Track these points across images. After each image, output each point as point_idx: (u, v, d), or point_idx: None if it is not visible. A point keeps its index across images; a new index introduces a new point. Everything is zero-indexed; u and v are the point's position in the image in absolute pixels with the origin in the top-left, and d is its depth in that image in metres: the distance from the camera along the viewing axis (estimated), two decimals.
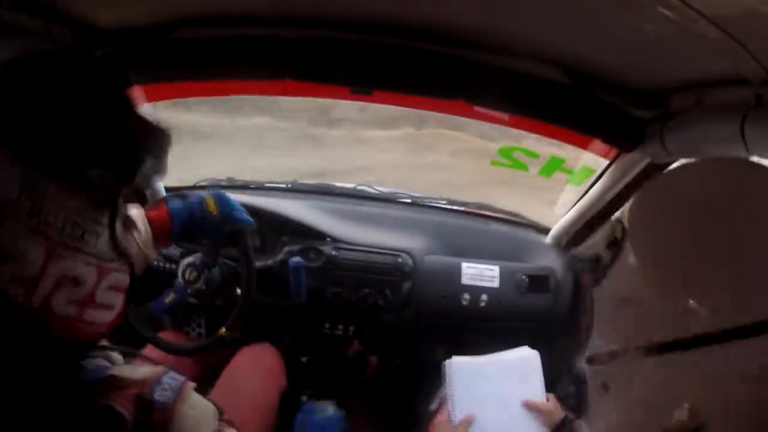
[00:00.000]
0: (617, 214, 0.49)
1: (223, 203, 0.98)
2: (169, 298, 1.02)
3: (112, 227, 0.47)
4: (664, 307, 0.42)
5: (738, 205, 0.43)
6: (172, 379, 0.52)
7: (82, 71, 0.48)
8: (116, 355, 0.56)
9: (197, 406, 0.53)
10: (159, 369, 0.53)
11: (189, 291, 1.06)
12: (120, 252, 0.49)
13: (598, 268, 0.50)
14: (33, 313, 0.43)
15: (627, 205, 0.49)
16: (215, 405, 0.56)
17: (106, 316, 0.48)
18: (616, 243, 0.48)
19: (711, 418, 0.40)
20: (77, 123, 0.44)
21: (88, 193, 0.45)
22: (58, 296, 0.43)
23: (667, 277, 0.43)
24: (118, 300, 0.49)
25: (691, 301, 0.40)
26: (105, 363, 0.52)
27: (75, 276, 0.44)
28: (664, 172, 0.51)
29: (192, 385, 0.55)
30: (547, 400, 0.98)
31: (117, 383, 0.49)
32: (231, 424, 0.56)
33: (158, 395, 0.49)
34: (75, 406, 0.46)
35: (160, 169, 0.53)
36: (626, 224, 0.49)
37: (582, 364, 0.53)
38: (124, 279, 0.49)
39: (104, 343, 0.55)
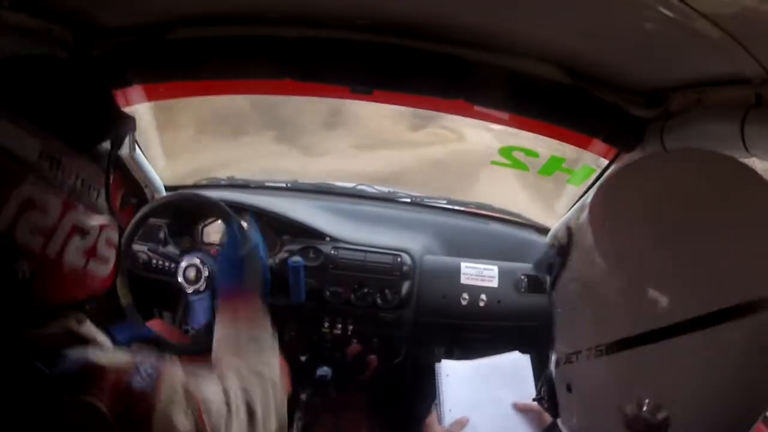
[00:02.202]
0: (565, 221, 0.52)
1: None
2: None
3: (107, 187, 0.55)
4: (617, 304, 0.44)
5: (708, 196, 0.44)
6: (150, 364, 0.51)
7: (79, 68, 0.59)
8: (107, 345, 0.55)
9: (179, 390, 0.51)
10: (138, 356, 0.52)
11: (202, 292, 1.09)
12: (112, 211, 0.57)
13: (551, 274, 0.52)
14: (47, 265, 0.49)
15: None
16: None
17: (104, 270, 0.55)
18: (563, 250, 0.50)
19: (676, 410, 0.41)
20: (82, 105, 0.55)
21: (92, 158, 0.54)
22: (70, 245, 0.50)
23: (627, 269, 0.44)
24: (112, 255, 0.56)
25: (652, 293, 0.41)
26: (83, 351, 0.50)
27: (83, 227, 0.52)
28: (624, 166, 0.52)
29: (172, 368, 0.53)
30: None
31: (95, 372, 0.47)
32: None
33: (136, 382, 0.48)
34: (52, 401, 0.45)
35: (132, 145, 0.66)
36: (574, 228, 0.50)
37: (550, 368, 0.54)
38: (115, 236, 0.57)
39: (97, 337, 0.54)
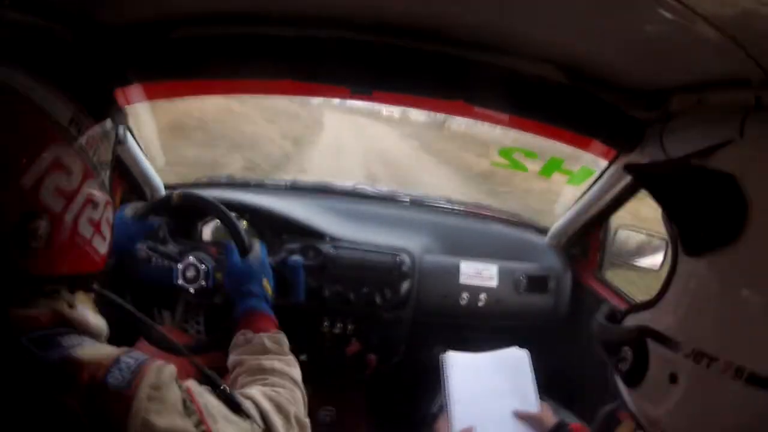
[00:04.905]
0: None
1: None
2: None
3: (112, 168, 0.58)
4: None
5: None
6: (132, 358, 0.48)
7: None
8: (102, 329, 0.55)
9: (163, 385, 0.48)
10: (121, 349, 0.49)
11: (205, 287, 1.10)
12: (111, 193, 0.59)
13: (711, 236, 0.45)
14: (63, 229, 0.50)
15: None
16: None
17: (103, 248, 0.56)
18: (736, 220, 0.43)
19: None
20: (97, 77, 0.60)
21: (104, 135, 0.56)
22: (84, 214, 0.52)
23: None
24: (109, 235, 0.58)
25: None
26: (79, 341, 0.49)
27: (95, 200, 0.54)
28: None
29: (157, 362, 0.49)
30: (541, 407, 0.99)
31: (73, 366, 0.46)
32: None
33: (112, 378, 0.45)
34: (30, 394, 0.44)
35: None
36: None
37: (634, 331, 0.48)
38: (112, 216, 0.59)
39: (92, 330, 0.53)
